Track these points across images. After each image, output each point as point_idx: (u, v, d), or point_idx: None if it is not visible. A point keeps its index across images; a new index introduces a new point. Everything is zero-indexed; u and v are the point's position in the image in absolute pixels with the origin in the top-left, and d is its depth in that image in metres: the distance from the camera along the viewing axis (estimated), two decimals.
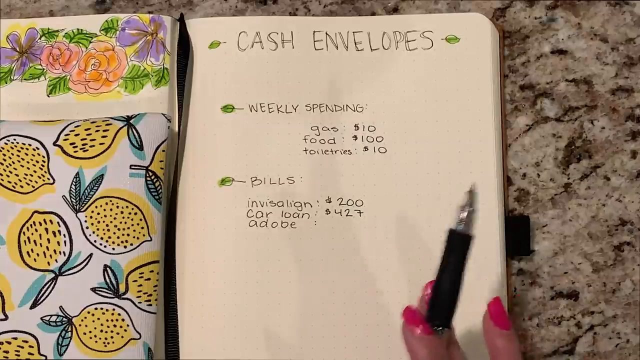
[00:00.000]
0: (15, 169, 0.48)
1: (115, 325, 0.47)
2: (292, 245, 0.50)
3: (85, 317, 0.47)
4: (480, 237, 0.49)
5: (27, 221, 0.48)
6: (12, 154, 0.48)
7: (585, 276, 0.51)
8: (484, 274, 0.49)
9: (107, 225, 0.48)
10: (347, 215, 0.50)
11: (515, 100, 0.53)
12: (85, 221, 0.48)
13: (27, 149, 0.49)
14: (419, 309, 0.41)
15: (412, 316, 0.40)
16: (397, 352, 0.47)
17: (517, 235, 0.50)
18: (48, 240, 0.47)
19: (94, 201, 0.48)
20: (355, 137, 0.52)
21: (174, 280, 0.49)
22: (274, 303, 0.49)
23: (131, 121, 0.49)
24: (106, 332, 0.47)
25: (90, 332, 0.47)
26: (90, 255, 0.47)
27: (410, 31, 0.53)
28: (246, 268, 0.49)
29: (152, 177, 0.49)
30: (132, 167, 0.48)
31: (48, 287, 0.47)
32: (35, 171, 0.48)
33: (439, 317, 0.40)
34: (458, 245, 0.40)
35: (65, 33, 0.54)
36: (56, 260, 0.47)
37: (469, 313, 0.49)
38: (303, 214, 0.50)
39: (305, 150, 0.51)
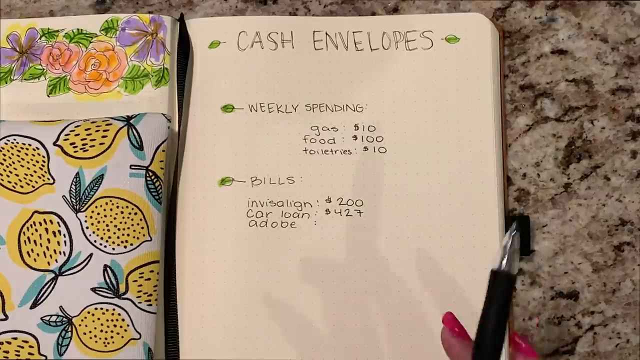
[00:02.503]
0: (15, 169, 0.48)
1: (115, 325, 0.47)
2: (292, 245, 0.50)
3: (85, 317, 0.47)
4: (480, 237, 0.50)
5: (27, 221, 0.48)
6: (12, 154, 0.48)
7: (585, 276, 0.51)
8: (485, 274, 0.49)
9: (107, 225, 0.48)
10: (347, 215, 0.50)
11: (515, 100, 0.53)
12: (85, 221, 0.48)
13: (27, 149, 0.49)
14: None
15: (452, 321, 0.42)
16: (397, 352, 0.47)
17: None
18: (48, 240, 0.47)
19: (94, 201, 0.48)
20: (355, 137, 0.52)
21: (174, 280, 0.49)
22: (273, 303, 0.49)
23: (131, 121, 0.49)
24: (106, 332, 0.47)
25: (90, 332, 0.47)
26: (90, 255, 0.47)
27: (410, 31, 0.53)
28: (246, 268, 0.49)
29: (152, 177, 0.49)
30: (132, 167, 0.48)
31: (48, 287, 0.47)
32: (35, 171, 0.48)
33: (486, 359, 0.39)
34: (501, 285, 0.40)
35: (65, 33, 0.54)
36: (56, 260, 0.47)
37: (469, 312, 0.49)
38: (303, 214, 0.50)
39: (305, 150, 0.51)
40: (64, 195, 0.48)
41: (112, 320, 0.47)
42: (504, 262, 0.39)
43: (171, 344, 0.48)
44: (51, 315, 0.47)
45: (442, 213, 0.50)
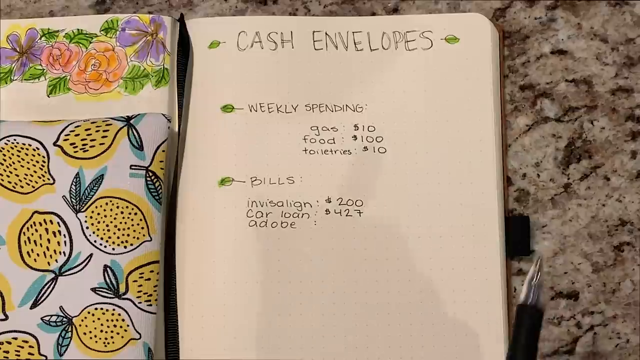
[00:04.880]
0: (15, 169, 0.48)
1: (115, 325, 0.47)
2: (292, 245, 0.50)
3: (86, 317, 0.47)
4: (480, 237, 0.50)
5: (27, 221, 0.48)
6: (12, 154, 0.48)
7: (585, 276, 0.51)
8: (484, 274, 0.49)
9: (107, 225, 0.48)
10: (347, 215, 0.50)
11: (515, 100, 0.53)
12: (85, 221, 0.48)
13: (27, 149, 0.49)
14: None
15: None
16: (396, 352, 0.47)
17: (517, 235, 0.50)
18: (48, 240, 0.47)
19: (94, 201, 0.48)
20: (355, 137, 0.52)
21: (174, 280, 0.49)
22: (274, 303, 0.49)
23: (131, 121, 0.49)
24: (106, 332, 0.47)
25: (90, 332, 0.47)
26: (90, 255, 0.47)
27: (410, 31, 0.53)
28: (246, 268, 0.49)
29: (152, 177, 0.49)
30: (132, 167, 0.48)
31: (48, 287, 0.47)
32: (35, 171, 0.48)
33: None
34: (529, 320, 0.38)
35: (66, 33, 0.54)
36: (56, 261, 0.47)
37: (470, 311, 0.49)
38: (303, 214, 0.50)
39: (305, 150, 0.51)
40: (64, 196, 0.48)
41: (112, 320, 0.47)
42: (530, 296, 0.38)
43: (171, 344, 0.48)
44: (51, 316, 0.47)
45: (442, 213, 0.50)
